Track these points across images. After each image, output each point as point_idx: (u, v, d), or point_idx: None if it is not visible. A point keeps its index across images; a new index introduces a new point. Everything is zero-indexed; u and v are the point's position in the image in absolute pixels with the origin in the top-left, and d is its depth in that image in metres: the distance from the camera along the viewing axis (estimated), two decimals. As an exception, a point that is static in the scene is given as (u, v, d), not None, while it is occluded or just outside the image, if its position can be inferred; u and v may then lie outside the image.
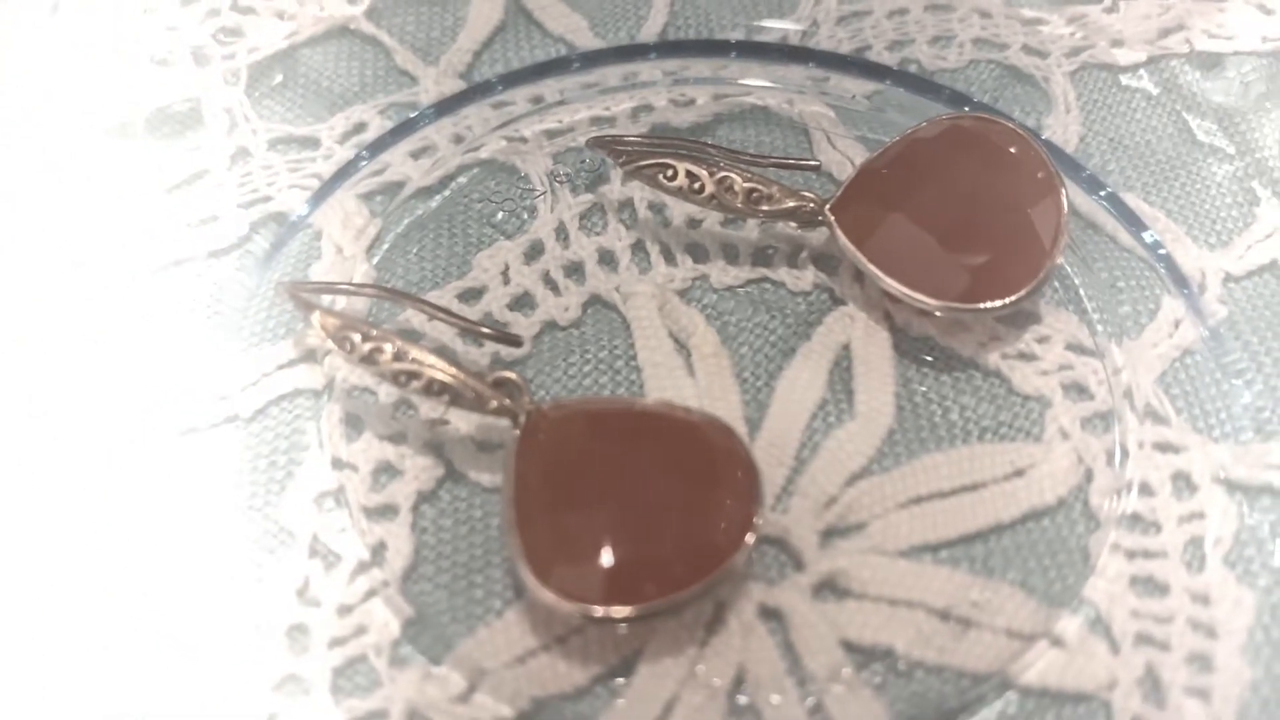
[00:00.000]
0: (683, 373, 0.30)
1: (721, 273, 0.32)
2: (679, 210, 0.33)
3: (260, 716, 0.25)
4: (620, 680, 0.26)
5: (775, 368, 0.31)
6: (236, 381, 0.30)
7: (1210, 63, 0.37)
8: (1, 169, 0.33)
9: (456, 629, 0.27)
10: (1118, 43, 0.37)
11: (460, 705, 0.25)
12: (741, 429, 0.29)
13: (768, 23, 0.38)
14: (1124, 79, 0.37)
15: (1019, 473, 0.29)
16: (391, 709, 0.25)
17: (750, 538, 0.26)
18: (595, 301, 0.32)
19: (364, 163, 0.34)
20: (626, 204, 0.33)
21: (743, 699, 0.26)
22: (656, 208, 0.33)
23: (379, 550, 0.27)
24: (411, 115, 0.35)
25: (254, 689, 0.25)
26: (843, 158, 0.34)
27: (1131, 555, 0.28)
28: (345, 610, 0.27)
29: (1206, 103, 0.36)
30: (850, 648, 0.27)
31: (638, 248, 0.33)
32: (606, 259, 0.33)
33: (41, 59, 0.36)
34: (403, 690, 0.26)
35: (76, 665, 0.26)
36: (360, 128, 0.35)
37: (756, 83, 0.36)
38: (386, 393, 0.29)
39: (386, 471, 0.29)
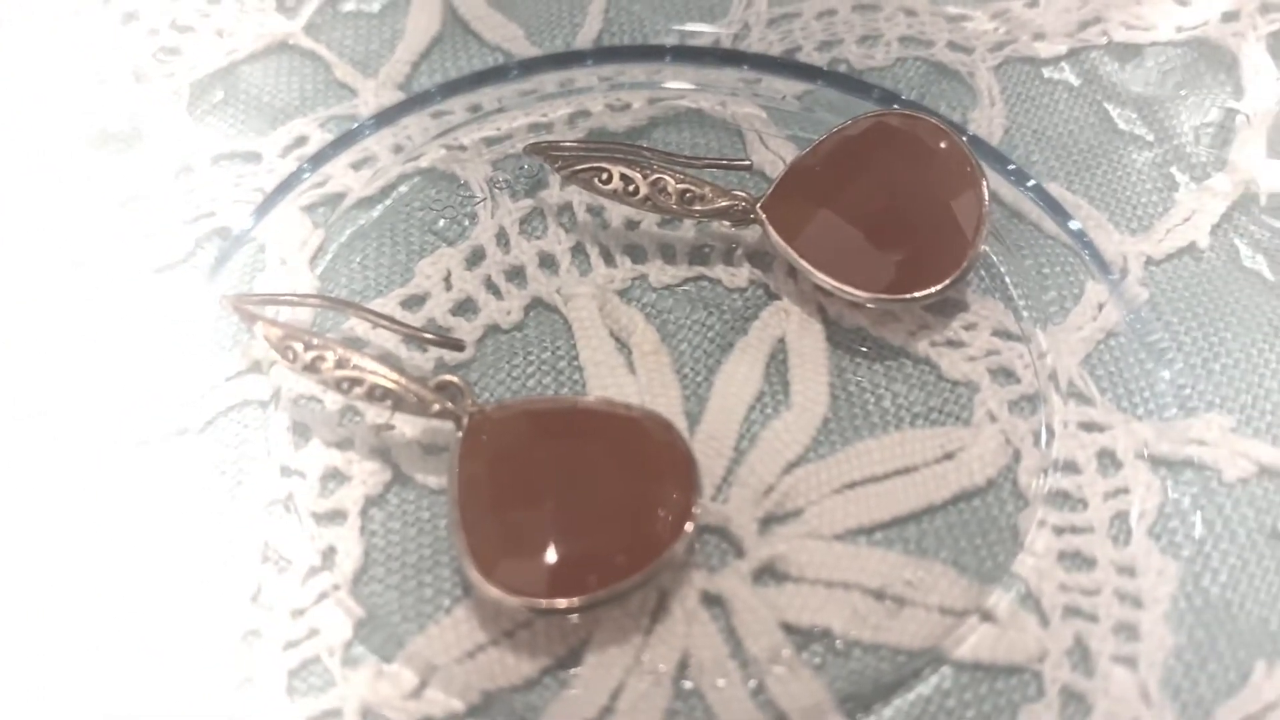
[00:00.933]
0: (624, 371, 0.31)
1: (660, 272, 0.33)
2: (617, 213, 0.34)
3: (218, 718, 0.26)
4: (568, 671, 0.27)
5: (714, 363, 0.31)
6: (186, 394, 0.30)
7: (1129, 53, 0.38)
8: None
9: (407, 627, 0.27)
10: (1039, 36, 0.38)
11: (412, 701, 0.26)
12: (682, 423, 0.30)
13: (700, 27, 0.39)
14: (1046, 71, 0.38)
15: (949, 456, 0.30)
16: (345, 707, 0.26)
17: (689, 527, 0.27)
18: (537, 304, 0.33)
19: (306, 175, 0.34)
20: (565, 208, 0.34)
21: (688, 684, 0.27)
22: (595, 211, 0.34)
23: (329, 554, 0.28)
24: (352, 127, 0.36)
25: (211, 692, 0.26)
26: (775, 157, 0.35)
27: (1059, 531, 0.29)
28: (298, 613, 0.27)
29: (1126, 92, 0.37)
30: (790, 630, 0.28)
31: (577, 250, 0.34)
32: (547, 262, 0.33)
33: None
34: (356, 688, 0.26)
35: (36, 671, 0.26)
36: (301, 141, 0.35)
37: (690, 86, 0.37)
38: (332, 400, 0.30)
39: (335, 477, 0.29)
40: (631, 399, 0.30)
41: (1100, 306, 0.33)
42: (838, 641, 0.27)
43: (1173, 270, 0.34)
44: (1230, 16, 0.38)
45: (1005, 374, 0.31)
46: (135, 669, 0.26)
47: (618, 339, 0.32)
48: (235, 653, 0.27)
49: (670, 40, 0.38)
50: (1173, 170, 0.36)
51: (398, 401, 0.28)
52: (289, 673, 0.26)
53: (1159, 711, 0.26)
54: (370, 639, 0.27)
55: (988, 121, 0.36)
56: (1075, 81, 0.38)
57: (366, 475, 0.29)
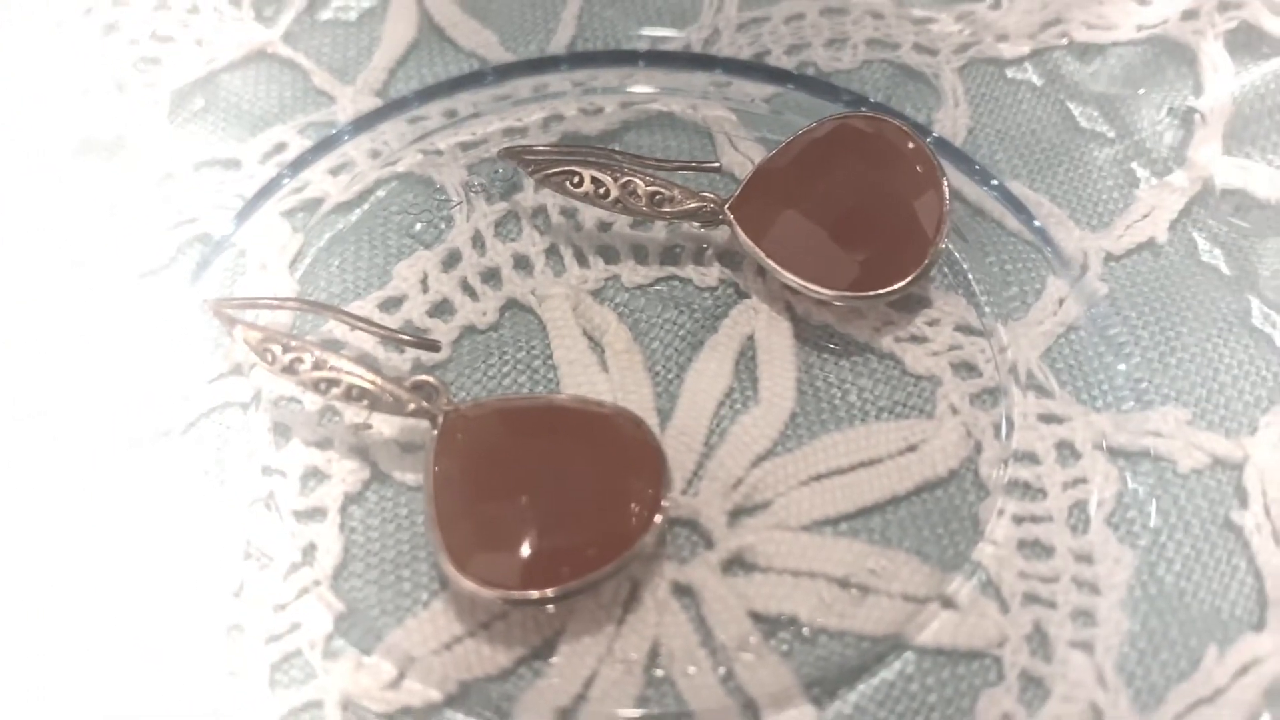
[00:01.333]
0: (597, 369, 0.32)
1: (632, 272, 0.34)
2: (590, 215, 0.35)
3: (203, 712, 0.26)
4: (542, 660, 0.27)
5: (684, 360, 0.32)
6: (168, 396, 0.31)
7: (1091, 53, 0.39)
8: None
9: (386, 621, 0.28)
10: (1003, 37, 0.39)
11: (391, 691, 0.27)
12: (653, 419, 0.31)
13: (670, 32, 0.39)
14: (1009, 72, 0.39)
15: (912, 448, 0.31)
16: (326, 699, 0.27)
17: (659, 519, 0.27)
18: (512, 305, 0.33)
19: (285, 181, 0.35)
20: (540, 210, 0.35)
21: (659, 672, 0.27)
22: (568, 213, 0.35)
23: (309, 551, 0.29)
24: (330, 133, 0.36)
25: (196, 686, 0.27)
26: (744, 159, 0.36)
27: (1019, 520, 0.30)
28: (279, 608, 0.28)
29: (1088, 91, 0.38)
30: (758, 618, 0.28)
31: (551, 252, 0.34)
32: (522, 264, 0.34)
33: None
34: (336, 680, 0.27)
35: (21, 667, 0.27)
36: (280, 148, 0.36)
37: (661, 90, 0.38)
38: (311, 401, 0.31)
39: (314, 476, 0.30)
40: (604, 396, 0.31)
41: (1060, 302, 0.33)
42: (804, 629, 0.28)
43: (1132, 266, 0.34)
44: (1190, 15, 0.39)
45: (967, 368, 0.32)
46: (121, 664, 0.27)
47: (591, 338, 0.33)
48: (219, 647, 0.27)
49: (642, 45, 0.39)
50: (1133, 166, 0.36)
51: (374, 401, 0.28)
52: (271, 666, 0.27)
53: (1114, 695, 0.27)
54: (350, 632, 0.28)
55: (952, 122, 0.37)
56: (1038, 81, 0.38)
57: (345, 474, 0.30)
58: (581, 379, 0.32)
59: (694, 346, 0.32)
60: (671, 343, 0.33)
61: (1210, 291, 0.34)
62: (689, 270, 0.34)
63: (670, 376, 0.32)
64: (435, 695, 0.27)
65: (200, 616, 0.28)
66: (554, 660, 0.27)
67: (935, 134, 0.37)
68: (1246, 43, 0.38)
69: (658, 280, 0.34)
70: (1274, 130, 0.37)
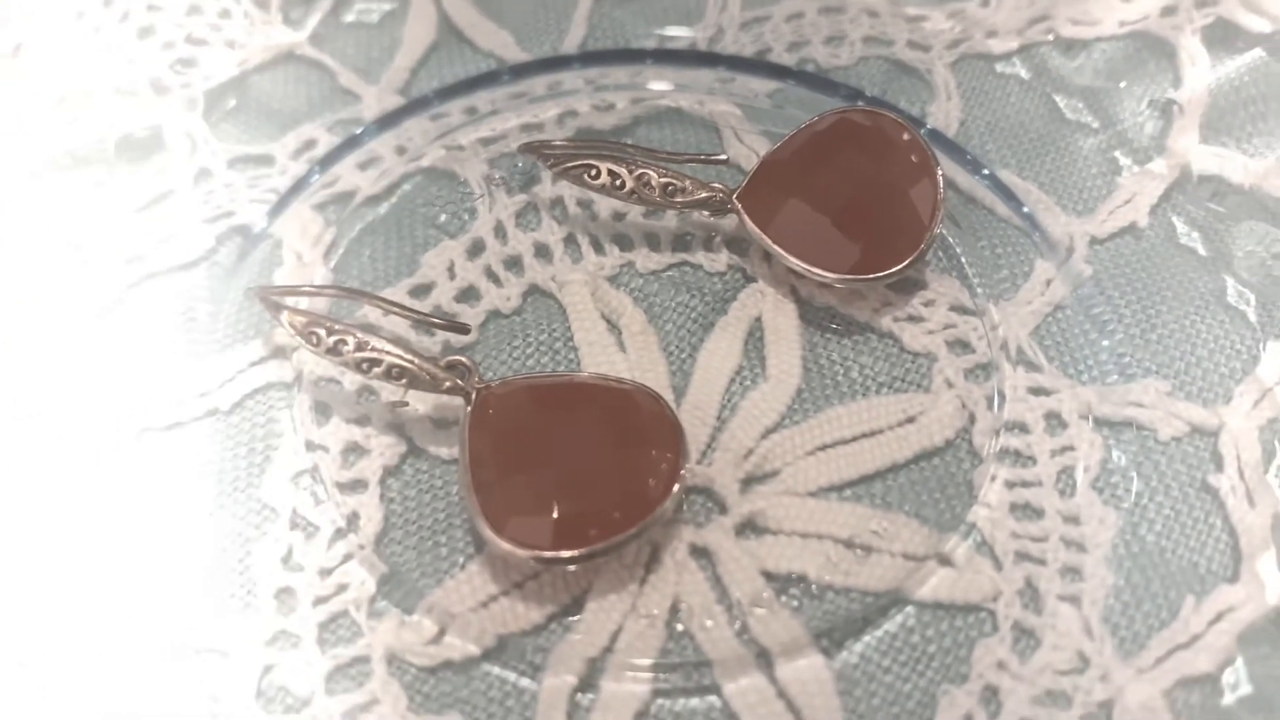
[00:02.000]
0: (615, 349, 0.34)
1: (646, 259, 0.36)
2: (605, 205, 0.36)
3: (257, 669, 0.28)
4: (572, 616, 0.29)
5: (697, 340, 0.34)
6: (214, 379, 0.33)
7: (1076, 47, 0.41)
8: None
9: (426, 582, 0.30)
10: (992, 34, 0.41)
11: (433, 647, 0.29)
12: (669, 395, 0.32)
13: (677, 31, 0.41)
14: (999, 66, 0.40)
15: (910, 419, 0.32)
16: (372, 655, 0.28)
17: (677, 487, 0.29)
18: (534, 290, 0.35)
19: (316, 176, 0.37)
20: (557, 202, 0.37)
21: (679, 626, 0.29)
22: (585, 204, 0.37)
23: (352, 519, 0.31)
24: (357, 131, 0.38)
25: (250, 646, 0.29)
26: (749, 151, 0.38)
27: (1010, 485, 0.31)
28: (326, 573, 0.30)
29: (1073, 84, 0.40)
30: (769, 576, 0.30)
31: (569, 240, 0.36)
32: (542, 252, 0.36)
33: (7, 96, 0.38)
34: (381, 638, 0.29)
35: (80, 627, 0.29)
36: (310, 144, 0.38)
37: (670, 86, 0.40)
38: (350, 381, 0.33)
39: (355, 451, 0.32)
40: (623, 374, 0.33)
41: (1048, 283, 0.35)
42: (812, 586, 0.30)
43: (1115, 248, 0.36)
44: (1169, 11, 0.41)
45: (961, 345, 0.34)
46: (177, 630, 0.29)
47: (609, 320, 0.35)
48: (270, 610, 0.29)
49: (650, 44, 0.41)
50: (1116, 154, 0.38)
51: (413, 380, 0.30)
52: (320, 625, 0.29)
53: (1099, 644, 0.29)
54: (392, 593, 0.29)
55: (945, 115, 0.39)
56: (1026, 75, 0.40)
57: (384, 448, 0.32)
58: (601, 359, 0.34)
59: (705, 327, 0.34)
60: (684, 324, 0.34)
61: (1188, 272, 0.35)
62: (699, 256, 0.36)
63: (684, 356, 0.34)
64: (473, 649, 0.29)
65: (251, 582, 0.30)
66: (583, 616, 0.29)
67: (929, 126, 0.38)
68: (1223, 37, 0.40)
69: (670, 266, 0.36)
70: (1248, 120, 0.38)
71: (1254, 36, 0.40)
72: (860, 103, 0.39)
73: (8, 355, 0.33)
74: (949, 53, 0.41)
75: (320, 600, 0.29)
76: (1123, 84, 0.40)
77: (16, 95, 0.38)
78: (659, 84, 0.40)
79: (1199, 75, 0.39)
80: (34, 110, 0.38)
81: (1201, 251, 0.36)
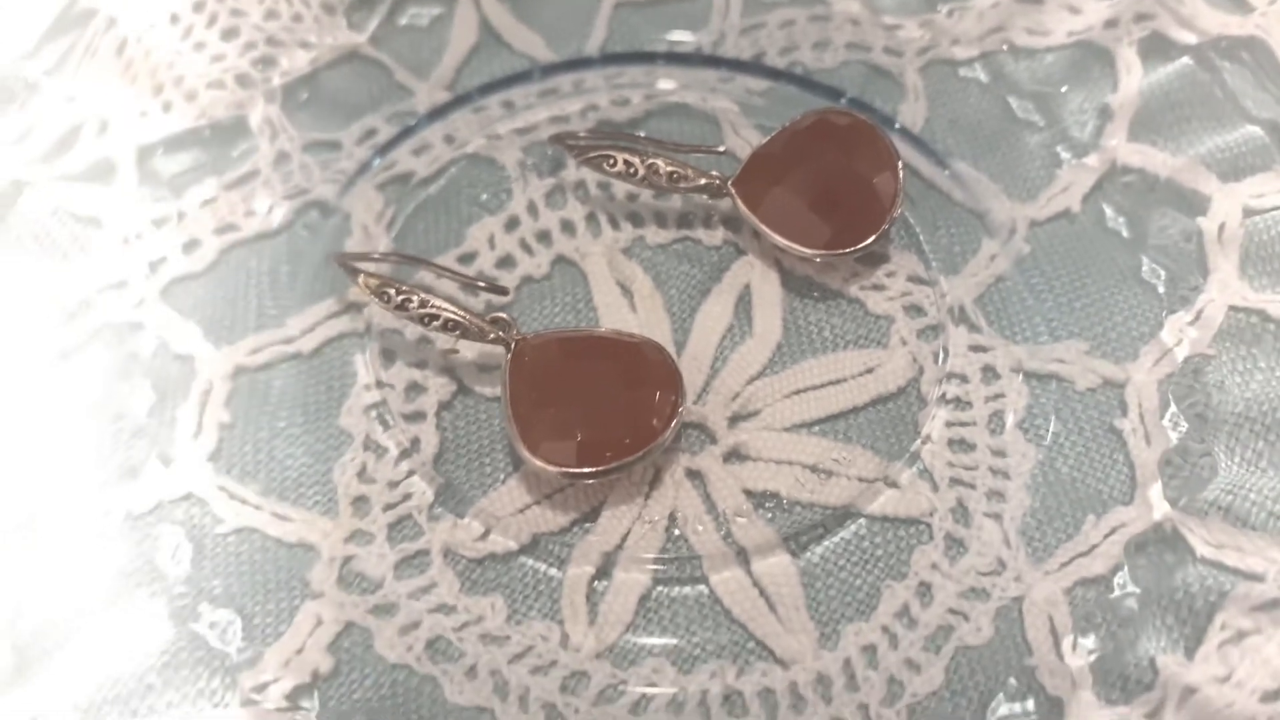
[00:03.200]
0: (628, 310, 0.39)
1: (654, 234, 0.40)
2: (621, 188, 0.41)
3: (339, 559, 0.34)
4: (590, 522, 0.34)
5: (695, 303, 0.39)
6: (297, 329, 0.38)
7: (1028, 54, 0.44)
8: (101, 170, 0.42)
9: (474, 493, 0.35)
10: (956, 41, 0.44)
11: (480, 543, 0.34)
12: (672, 348, 0.37)
13: (685, 35, 0.45)
14: (961, 71, 0.44)
15: (870, 370, 0.37)
16: (431, 549, 0.34)
17: (676, 422, 0.34)
18: (561, 259, 0.40)
19: (377, 161, 0.42)
20: (580, 185, 0.41)
21: (676, 531, 0.34)
22: (604, 186, 0.41)
23: (414, 443, 0.36)
24: (411, 122, 0.43)
25: (334, 542, 0.34)
26: (744, 142, 0.42)
27: (949, 425, 0.36)
28: (393, 485, 0.35)
29: (1025, 87, 0.43)
30: (749, 494, 0.35)
31: (591, 218, 0.41)
32: (568, 227, 0.41)
33: (114, 87, 0.44)
34: (438, 536, 0.34)
35: (211, 538, 0.35)
36: (372, 133, 0.43)
37: (677, 84, 0.44)
38: (411, 331, 0.38)
39: (415, 388, 0.37)
40: (634, 330, 0.37)
41: (992, 258, 0.39)
42: (784, 501, 0.34)
43: (1051, 230, 0.40)
44: (1111, 23, 0.44)
45: (916, 309, 0.38)
46: (274, 531, 0.35)
47: (622, 286, 0.39)
48: (348, 514, 0.35)
49: (661, 47, 0.45)
50: (1058, 150, 0.41)
51: (464, 332, 0.35)
52: (388, 526, 0.34)
53: (1015, 552, 0.33)
54: (447, 501, 0.35)
55: (912, 113, 0.43)
56: (984, 79, 0.44)
57: (439, 387, 0.37)
58: (615, 317, 0.38)
59: (703, 292, 0.39)
60: (686, 289, 0.39)
61: (1111, 251, 0.39)
62: (699, 232, 0.41)
63: (684, 315, 0.38)
64: (512, 545, 0.34)
65: (332, 493, 0.35)
66: (599, 521, 0.34)
67: (899, 124, 0.43)
68: (1157, 48, 0.43)
69: (675, 240, 0.40)
70: (1173, 122, 0.42)
71: (1183, 48, 0.43)
72: (842, 101, 0.43)
73: (135, 305, 0.39)
74: (919, 58, 0.44)
75: (389, 506, 0.35)
76: (1064, 88, 0.43)
77: (122, 87, 0.44)
78: (668, 83, 0.44)
79: (1132, 81, 0.43)
80: (137, 99, 0.43)
81: (1125, 234, 0.40)
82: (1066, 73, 0.44)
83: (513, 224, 0.41)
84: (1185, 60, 0.44)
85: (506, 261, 0.40)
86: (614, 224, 0.41)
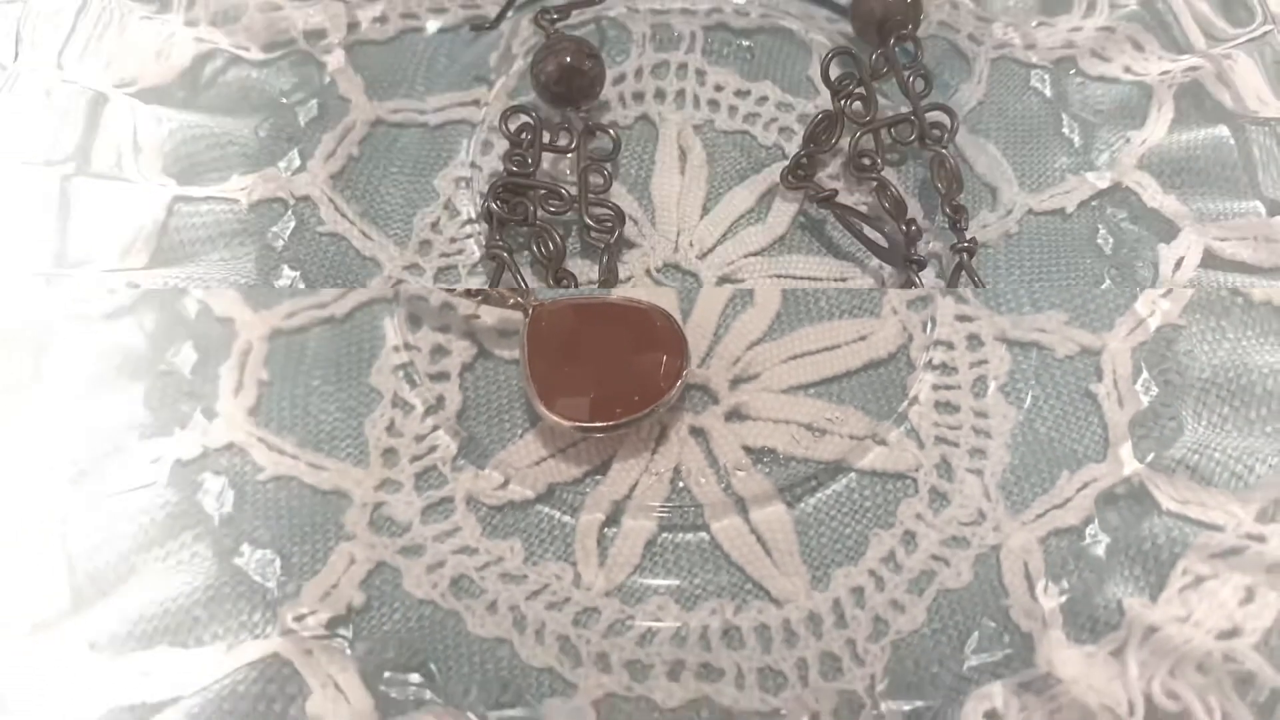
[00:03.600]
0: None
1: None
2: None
3: (370, 505, 0.36)
4: (601, 474, 0.36)
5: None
6: (330, 293, 0.40)
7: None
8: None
9: (494, 446, 0.37)
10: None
11: (499, 491, 0.36)
12: (678, 315, 0.39)
13: None
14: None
15: (863, 338, 0.39)
16: (455, 496, 0.36)
17: (680, 382, 0.36)
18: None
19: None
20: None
21: (680, 482, 0.36)
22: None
23: (439, 400, 0.38)
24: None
25: (365, 490, 0.37)
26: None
27: (936, 388, 0.38)
28: (419, 439, 0.37)
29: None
30: (748, 450, 0.37)
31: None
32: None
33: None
34: (462, 485, 0.36)
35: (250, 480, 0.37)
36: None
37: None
38: (435, 298, 0.40)
39: (439, 351, 0.39)
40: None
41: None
42: (780, 456, 0.37)
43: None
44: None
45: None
46: (310, 477, 0.37)
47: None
48: (377, 465, 0.37)
49: None
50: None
51: (487, 298, 0.38)
52: (415, 476, 0.37)
53: (994, 504, 0.36)
54: (469, 454, 0.37)
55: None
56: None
57: (461, 349, 0.39)
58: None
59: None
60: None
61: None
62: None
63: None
64: (529, 494, 0.36)
65: (362, 445, 0.37)
66: (609, 472, 0.36)
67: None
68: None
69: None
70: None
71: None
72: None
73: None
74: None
75: (416, 458, 0.37)
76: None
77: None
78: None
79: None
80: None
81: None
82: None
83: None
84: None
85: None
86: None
